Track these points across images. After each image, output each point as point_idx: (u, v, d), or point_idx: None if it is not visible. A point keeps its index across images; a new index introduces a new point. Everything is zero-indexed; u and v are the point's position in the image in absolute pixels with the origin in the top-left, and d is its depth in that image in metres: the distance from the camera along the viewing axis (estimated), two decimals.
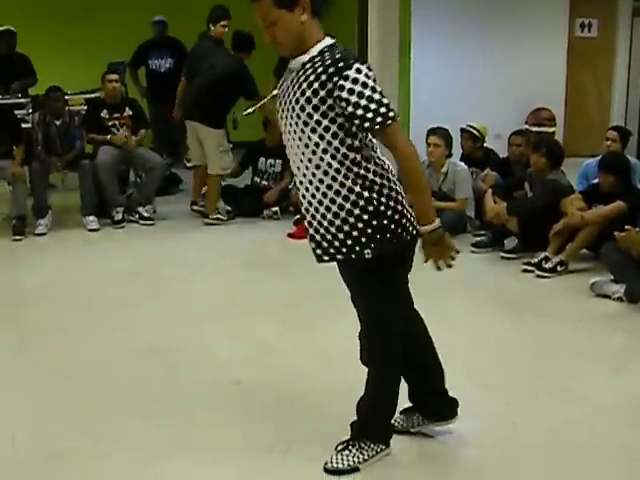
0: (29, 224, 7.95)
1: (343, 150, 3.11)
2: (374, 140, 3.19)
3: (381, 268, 3.24)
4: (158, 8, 10.86)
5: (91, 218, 8.11)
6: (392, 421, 3.64)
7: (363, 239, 3.16)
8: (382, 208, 3.16)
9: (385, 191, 3.17)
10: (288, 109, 3.16)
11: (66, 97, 8.71)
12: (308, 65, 3.09)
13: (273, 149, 8.40)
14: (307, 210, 3.29)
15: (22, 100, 9.28)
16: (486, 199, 7.11)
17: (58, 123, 8.33)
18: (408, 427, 3.74)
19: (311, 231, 3.30)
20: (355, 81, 3.00)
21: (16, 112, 8.71)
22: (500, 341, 5.04)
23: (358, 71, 3.01)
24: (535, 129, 8.38)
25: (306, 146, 3.14)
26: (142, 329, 5.31)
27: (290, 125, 3.17)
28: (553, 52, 11.37)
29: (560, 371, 4.58)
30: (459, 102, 9.58)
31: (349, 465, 3.45)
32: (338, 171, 3.12)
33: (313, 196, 3.21)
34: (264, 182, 8.70)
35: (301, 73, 3.11)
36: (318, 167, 3.15)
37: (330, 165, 3.12)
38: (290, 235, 7.55)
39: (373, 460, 3.49)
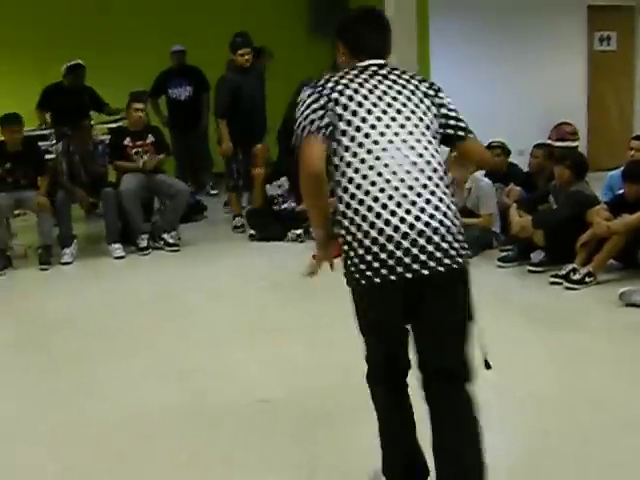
0: (55, 253, 7.99)
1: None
2: (348, 167, 2.91)
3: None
4: (176, 37, 10.94)
5: (116, 246, 8.13)
6: None
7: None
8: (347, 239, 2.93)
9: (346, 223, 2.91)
10: None
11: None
12: None
13: (273, 174, 8.71)
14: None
15: (45, 132, 9.35)
16: (511, 213, 7.07)
17: (82, 152, 8.37)
18: None
19: None
20: None
21: (40, 143, 8.77)
22: (530, 352, 4.99)
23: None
24: (558, 144, 8.31)
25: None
26: (169, 353, 5.30)
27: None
28: (573, 66, 11.34)
29: (590, 381, 4.53)
30: (480, 118, 9.42)
31: None
32: None
33: None
34: (284, 205, 8.70)
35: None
36: None
37: None
38: (315, 257, 7.51)
39: None
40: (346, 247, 2.92)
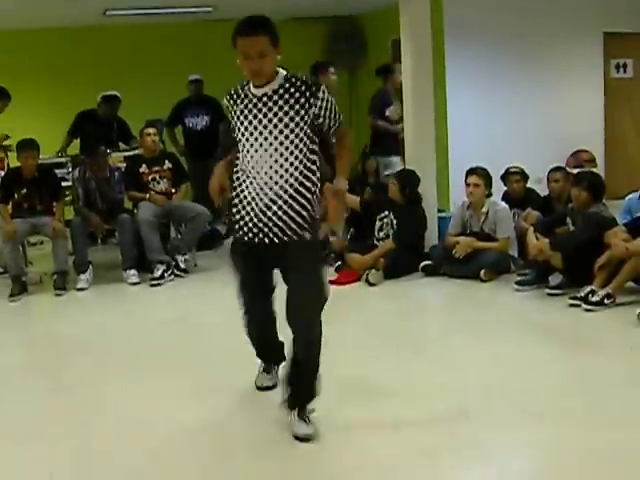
0: (70, 280, 7.98)
1: None
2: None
3: None
4: (192, 67, 11.01)
5: (131, 272, 8.11)
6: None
7: None
8: None
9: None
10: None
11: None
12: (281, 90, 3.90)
13: None
14: None
15: (62, 159, 9.38)
16: (528, 236, 7.02)
17: (98, 179, 8.38)
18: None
19: None
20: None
21: (57, 171, 8.79)
22: (549, 373, 4.93)
23: (324, 92, 3.92)
24: (576, 172, 8.28)
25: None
26: (185, 373, 5.26)
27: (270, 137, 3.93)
28: (590, 93, 11.27)
29: (609, 401, 4.46)
30: (496, 145, 9.51)
31: None
32: None
33: None
34: None
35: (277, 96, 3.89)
36: None
37: None
38: (332, 282, 7.49)
39: None
40: None
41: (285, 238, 4.00)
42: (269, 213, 3.99)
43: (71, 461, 4.04)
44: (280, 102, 3.89)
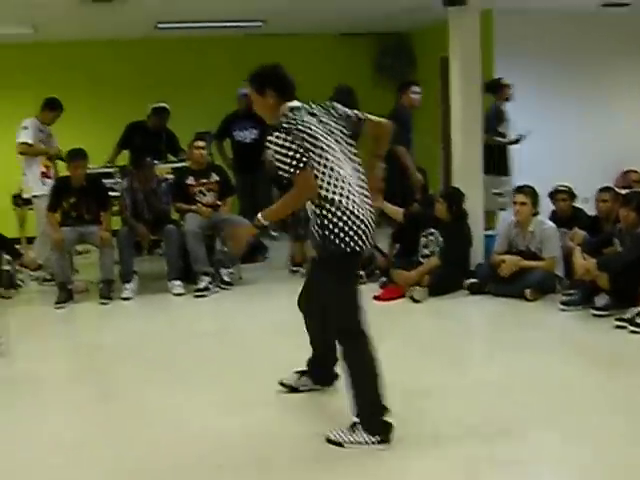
0: (116, 289, 8.05)
1: None
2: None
3: None
4: (241, 80, 11.07)
5: (176, 282, 8.16)
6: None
7: None
8: None
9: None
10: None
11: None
12: None
13: None
14: None
15: (110, 169, 9.46)
16: (575, 256, 6.94)
17: (146, 190, 8.46)
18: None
19: None
20: None
21: (105, 181, 8.87)
22: (592, 394, 4.89)
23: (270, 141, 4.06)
24: (624, 192, 8.19)
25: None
26: (229, 384, 5.30)
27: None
28: (638, 113, 11.19)
29: None
30: (546, 162, 9.47)
31: None
32: None
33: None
34: None
35: None
36: None
37: None
38: (377, 298, 7.49)
39: None
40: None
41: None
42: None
43: (113, 469, 4.06)
44: None
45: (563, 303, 6.90)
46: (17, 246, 8.83)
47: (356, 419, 4.12)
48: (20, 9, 9.10)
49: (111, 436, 4.50)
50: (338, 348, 4.25)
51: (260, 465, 4.03)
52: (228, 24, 11.20)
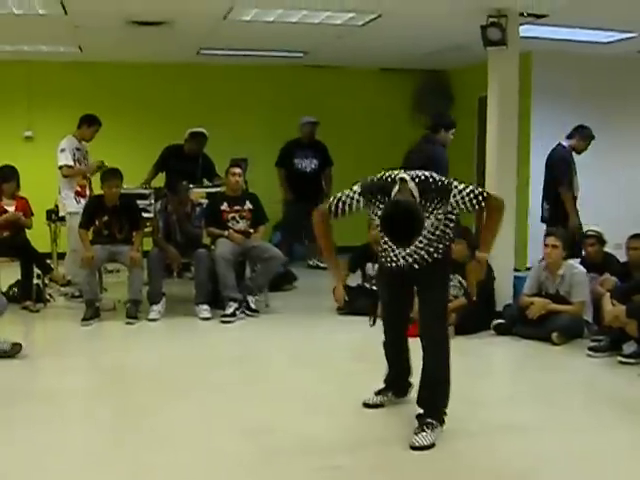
0: (143, 309, 8.09)
1: None
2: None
3: None
4: (280, 109, 11.18)
5: (204, 307, 8.18)
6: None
7: None
8: None
9: None
10: None
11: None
12: None
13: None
14: None
15: (145, 191, 9.51)
16: (604, 302, 6.88)
17: (179, 214, 8.50)
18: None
19: None
20: None
21: (139, 202, 8.93)
22: (615, 443, 4.80)
23: None
24: None
25: None
26: (244, 411, 5.29)
27: None
28: None
29: None
30: (579, 208, 9.41)
31: None
32: None
33: None
34: (374, 287, 8.59)
35: None
36: None
37: None
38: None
39: None
40: None
41: None
42: None
43: None
44: None
45: (590, 349, 6.82)
46: (48, 261, 8.92)
47: (430, 420, 4.69)
48: (67, 29, 9.23)
49: (127, 456, 4.49)
50: (430, 351, 4.80)
51: None
52: (269, 53, 11.31)
